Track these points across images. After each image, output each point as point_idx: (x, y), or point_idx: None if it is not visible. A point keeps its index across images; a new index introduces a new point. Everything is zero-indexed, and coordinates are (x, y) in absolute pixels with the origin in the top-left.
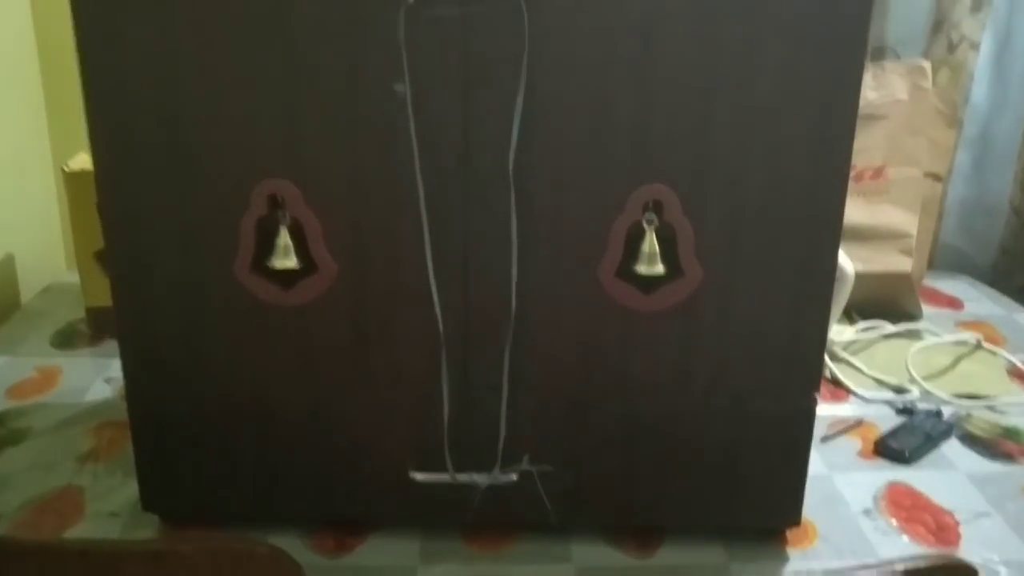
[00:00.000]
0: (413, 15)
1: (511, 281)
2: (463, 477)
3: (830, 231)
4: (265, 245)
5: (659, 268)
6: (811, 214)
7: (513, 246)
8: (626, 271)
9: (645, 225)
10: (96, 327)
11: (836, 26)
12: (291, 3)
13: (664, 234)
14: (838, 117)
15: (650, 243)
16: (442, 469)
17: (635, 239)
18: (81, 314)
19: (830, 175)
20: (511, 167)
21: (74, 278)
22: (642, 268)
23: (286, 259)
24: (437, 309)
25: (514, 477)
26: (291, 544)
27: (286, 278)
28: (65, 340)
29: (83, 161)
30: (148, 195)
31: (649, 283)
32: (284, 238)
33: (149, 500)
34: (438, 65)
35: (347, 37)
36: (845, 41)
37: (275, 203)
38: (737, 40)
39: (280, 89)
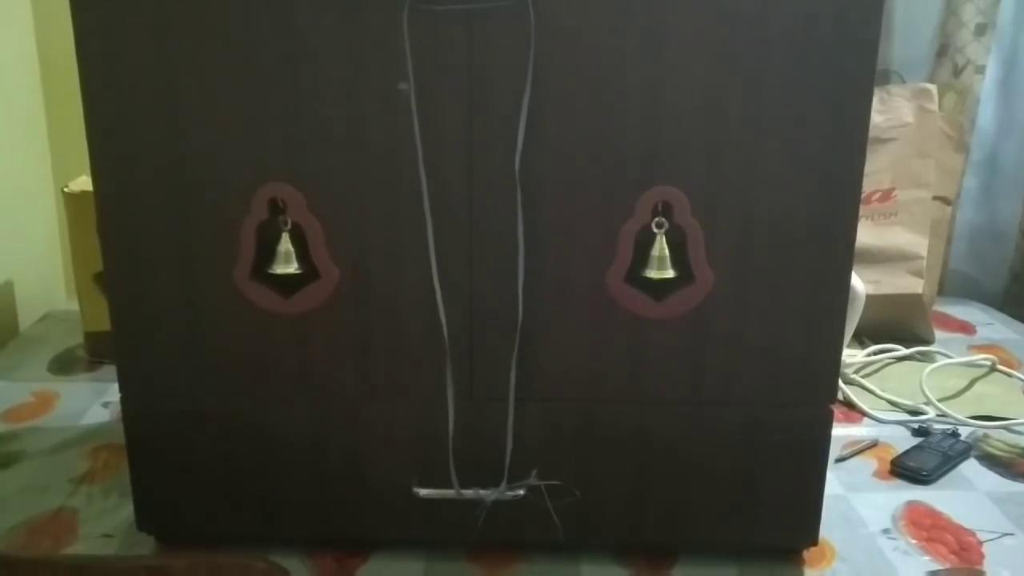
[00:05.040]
0: (417, 12)
1: (517, 287)
2: (468, 493)
3: (844, 234)
4: (266, 251)
5: (669, 272)
6: (824, 216)
7: (519, 251)
8: (635, 276)
9: (655, 228)
10: (94, 352)
11: (846, 38)
12: (291, 2)
13: (674, 237)
14: (850, 120)
15: (660, 247)
16: (447, 485)
17: (645, 244)
18: (79, 341)
19: (842, 177)
20: (517, 169)
21: (73, 306)
22: (652, 273)
23: (287, 265)
24: (442, 316)
25: (521, 492)
26: (292, 566)
27: (287, 285)
28: (63, 366)
29: (84, 183)
30: (147, 204)
31: (659, 289)
32: (285, 243)
33: (144, 520)
34: (442, 64)
35: (349, 36)
36: (856, 47)
37: (276, 207)
38: (748, 43)
39: (281, 91)
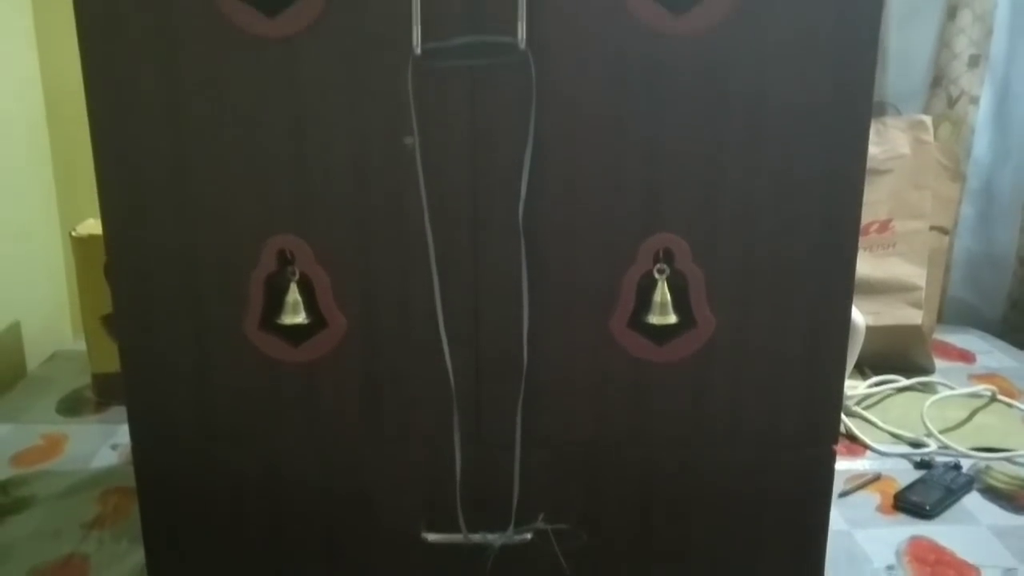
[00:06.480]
0: (421, 67)
1: (523, 334)
2: (476, 537)
3: (843, 276)
4: (274, 302)
5: (671, 318)
6: (823, 259)
7: (524, 298)
8: (638, 322)
9: (656, 275)
10: (102, 393)
11: (842, 76)
12: (297, 57)
13: (675, 283)
14: (847, 160)
15: (662, 293)
16: (455, 529)
17: (647, 289)
18: (87, 381)
19: (840, 219)
20: (520, 218)
21: (80, 346)
22: (654, 318)
23: (295, 315)
24: (448, 363)
25: (529, 536)
26: None
27: (295, 334)
28: (71, 407)
29: (91, 227)
30: (157, 255)
31: (662, 334)
32: (293, 294)
33: (155, 565)
34: (446, 117)
35: (355, 91)
36: (851, 91)
37: (284, 259)
38: (745, 91)
39: (288, 144)
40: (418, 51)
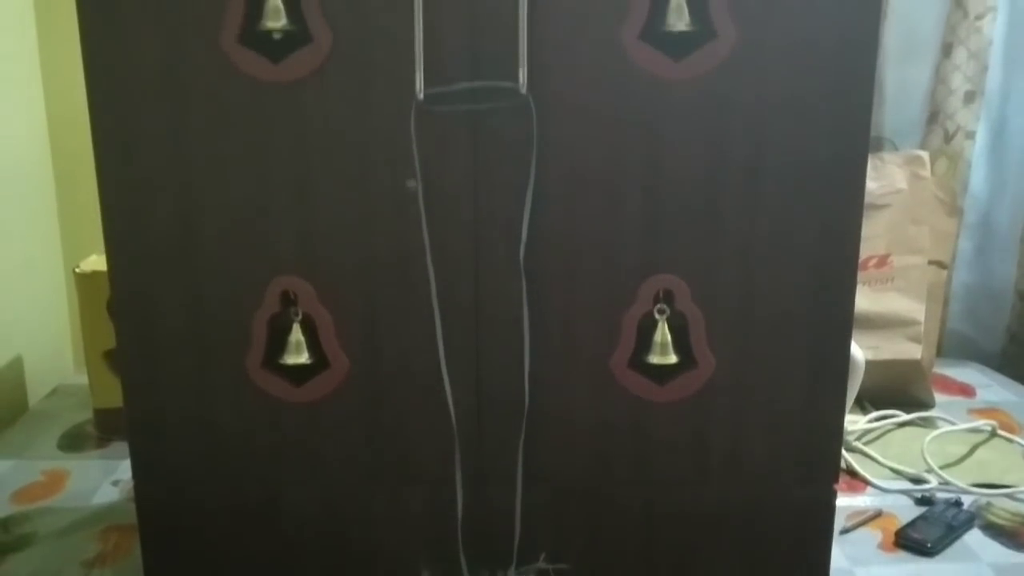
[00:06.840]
0: (423, 112)
1: (524, 374)
2: None
3: (841, 313)
4: (277, 341)
5: (672, 358)
6: (821, 297)
7: (525, 338)
8: (639, 361)
9: (657, 315)
10: (104, 429)
11: (839, 115)
12: (302, 102)
13: (676, 323)
14: (844, 203)
15: (662, 333)
16: (456, 569)
17: (647, 329)
18: (89, 416)
19: (839, 256)
20: (522, 259)
21: (82, 380)
22: (655, 358)
23: (298, 355)
24: (450, 403)
25: None
26: None
27: (298, 374)
28: (72, 443)
29: (94, 263)
30: (161, 293)
31: (662, 373)
32: (296, 334)
33: None
34: (449, 160)
35: (358, 135)
36: (848, 129)
37: (288, 300)
38: (743, 132)
39: (292, 186)
40: (421, 96)
